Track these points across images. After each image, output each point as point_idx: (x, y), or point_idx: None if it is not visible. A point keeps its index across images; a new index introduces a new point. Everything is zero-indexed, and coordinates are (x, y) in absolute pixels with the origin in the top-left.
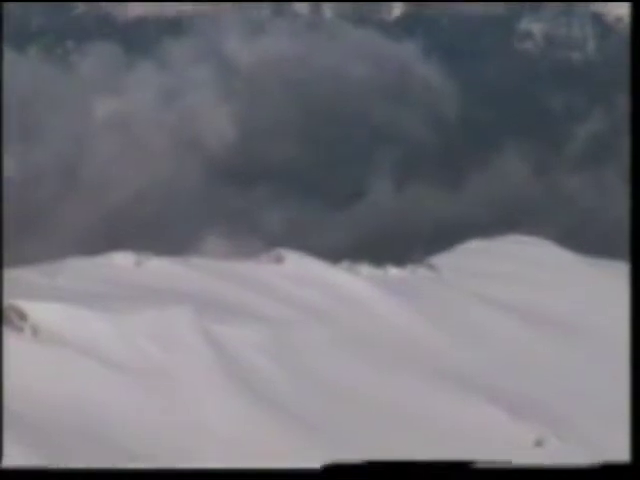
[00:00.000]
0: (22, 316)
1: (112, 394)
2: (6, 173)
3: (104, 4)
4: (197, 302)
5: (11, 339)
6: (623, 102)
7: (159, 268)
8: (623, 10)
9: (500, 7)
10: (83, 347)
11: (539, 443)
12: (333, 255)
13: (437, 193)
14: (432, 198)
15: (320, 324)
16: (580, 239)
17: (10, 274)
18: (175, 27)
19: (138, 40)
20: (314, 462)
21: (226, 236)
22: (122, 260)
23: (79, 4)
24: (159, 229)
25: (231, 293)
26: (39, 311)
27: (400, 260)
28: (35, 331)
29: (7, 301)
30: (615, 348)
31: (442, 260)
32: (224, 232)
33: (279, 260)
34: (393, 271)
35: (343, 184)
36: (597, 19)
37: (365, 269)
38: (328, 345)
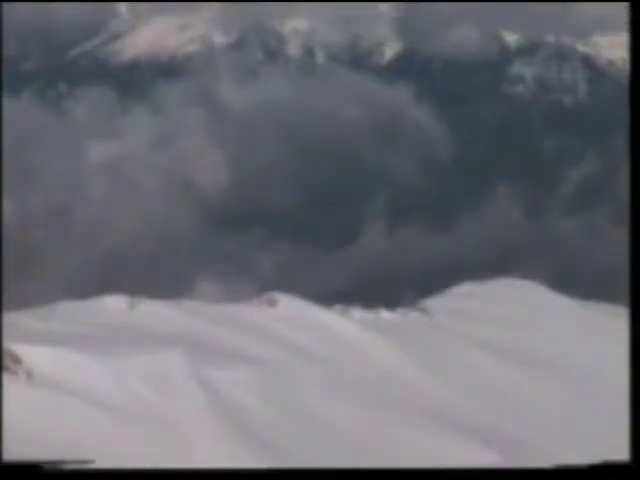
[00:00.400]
0: (16, 360)
1: (105, 436)
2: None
3: (98, 48)
4: (189, 345)
5: (5, 383)
6: (615, 145)
7: (151, 311)
8: (615, 53)
9: (492, 51)
10: (76, 390)
11: None
12: (326, 298)
13: (429, 235)
14: (424, 240)
15: (312, 367)
16: (572, 282)
17: (4, 318)
18: (168, 71)
19: (131, 84)
20: None
21: (219, 279)
22: (114, 303)
23: (71, 48)
24: (152, 272)
25: (223, 336)
26: (33, 355)
27: (392, 303)
28: (29, 375)
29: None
30: (608, 389)
31: (434, 303)
32: (217, 275)
33: (272, 303)
34: (385, 314)
35: (335, 227)
36: (588, 63)
37: (357, 312)
38: (320, 388)
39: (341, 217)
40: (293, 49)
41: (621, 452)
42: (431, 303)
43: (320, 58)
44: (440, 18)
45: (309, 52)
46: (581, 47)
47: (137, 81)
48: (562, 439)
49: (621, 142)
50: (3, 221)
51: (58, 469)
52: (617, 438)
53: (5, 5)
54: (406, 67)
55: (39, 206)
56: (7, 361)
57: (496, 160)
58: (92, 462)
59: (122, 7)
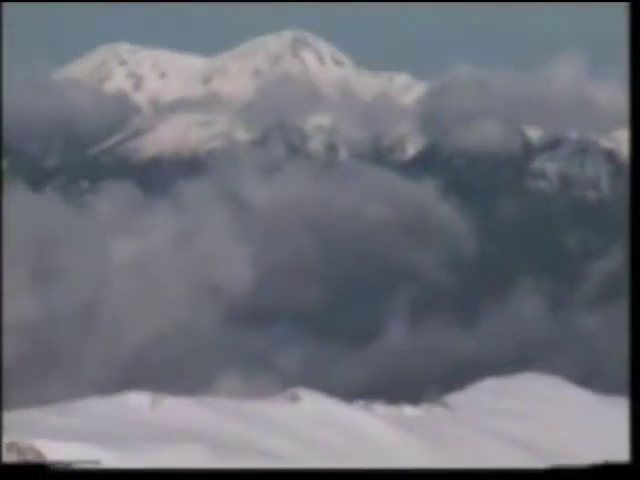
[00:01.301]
0: (39, 456)
1: None
2: (25, 315)
3: (120, 145)
4: (211, 441)
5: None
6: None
7: (174, 408)
8: None
9: (515, 146)
10: None
11: None
12: (348, 394)
13: (452, 331)
14: (447, 336)
15: (335, 463)
16: (595, 377)
17: (28, 414)
18: (191, 167)
19: (154, 180)
20: None
21: (242, 376)
22: (137, 400)
23: (93, 145)
24: (175, 369)
25: (246, 432)
26: (56, 451)
27: (415, 399)
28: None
29: (25, 441)
30: None
31: (457, 399)
32: (240, 372)
33: (294, 399)
34: (408, 410)
35: (359, 323)
36: (611, 157)
37: (380, 408)
38: None
39: (365, 313)
40: (316, 145)
41: None
42: (454, 399)
43: (343, 154)
44: (463, 114)
45: (331, 148)
46: (604, 142)
47: (159, 178)
48: None
49: None
50: (29, 318)
51: (63, 469)
52: None
53: (26, 95)
54: (429, 163)
55: (63, 303)
56: (30, 457)
57: (519, 255)
58: (97, 462)
59: (144, 104)
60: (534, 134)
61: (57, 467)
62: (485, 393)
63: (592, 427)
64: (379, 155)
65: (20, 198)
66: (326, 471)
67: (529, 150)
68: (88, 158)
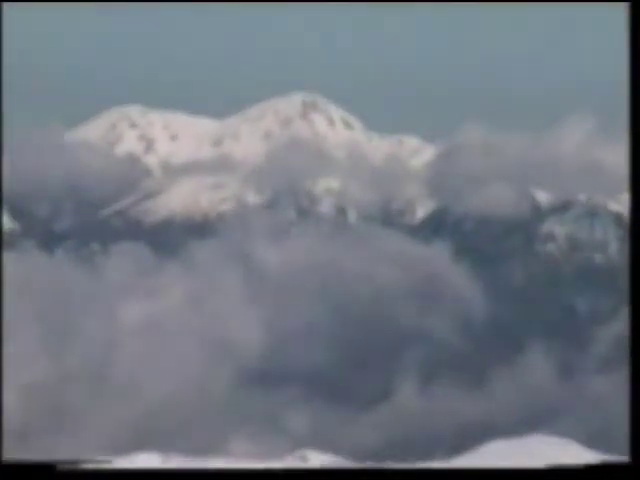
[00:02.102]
0: None
1: None
2: (38, 376)
3: (131, 207)
4: None
5: None
6: None
7: (183, 468)
8: None
9: (524, 209)
10: None
11: None
12: (359, 455)
13: (462, 393)
14: (457, 398)
15: None
16: (604, 439)
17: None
18: (202, 229)
19: (165, 243)
20: None
21: (252, 437)
22: (147, 460)
23: (104, 207)
24: (186, 430)
25: None
26: None
27: (424, 460)
28: None
29: None
30: None
31: (466, 461)
32: (250, 433)
33: (304, 460)
34: None
35: (369, 385)
36: (620, 221)
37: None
38: None
39: (375, 376)
40: (325, 208)
41: None
42: (463, 461)
43: (352, 217)
44: (472, 176)
45: (341, 211)
46: (612, 205)
47: (170, 240)
48: None
49: None
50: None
51: (70, 469)
52: None
53: (38, 157)
54: (439, 226)
55: (75, 364)
56: None
57: (529, 319)
58: (108, 462)
59: (155, 166)
60: (543, 197)
61: (64, 466)
62: (493, 455)
63: None
64: (389, 218)
65: (32, 260)
66: (326, 471)
67: (538, 213)
68: (99, 220)
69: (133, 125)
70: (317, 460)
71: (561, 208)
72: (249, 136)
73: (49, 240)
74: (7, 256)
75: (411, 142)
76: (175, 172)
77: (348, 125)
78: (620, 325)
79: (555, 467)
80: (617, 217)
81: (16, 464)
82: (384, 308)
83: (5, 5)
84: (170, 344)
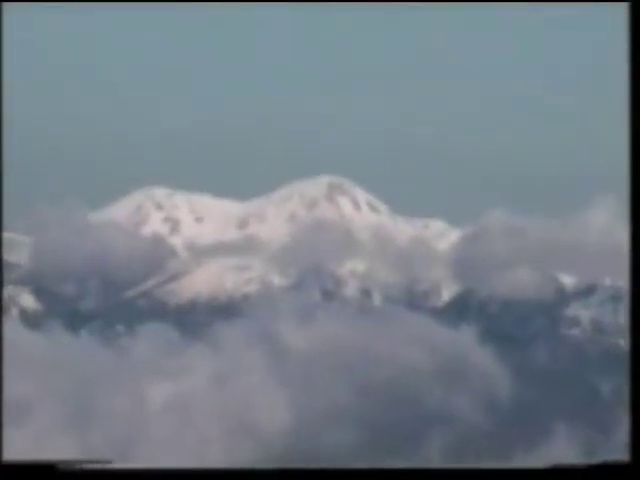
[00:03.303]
0: None
1: None
2: (63, 456)
3: (156, 288)
4: None
5: None
6: None
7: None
8: None
9: (548, 292)
10: None
11: None
12: None
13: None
14: None
15: None
16: None
17: None
18: (227, 311)
19: (190, 324)
20: None
21: None
22: None
23: (129, 288)
24: None
25: None
26: None
27: None
28: None
29: None
30: None
31: None
32: None
33: None
34: None
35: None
36: None
37: None
38: None
39: (400, 458)
40: (350, 290)
41: None
42: None
43: (377, 299)
44: (496, 259)
45: (366, 293)
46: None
47: (196, 321)
48: None
49: None
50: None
51: (70, 469)
52: None
53: (63, 237)
54: (464, 308)
55: (100, 444)
56: None
57: (554, 402)
58: (109, 462)
59: (180, 247)
60: (568, 281)
61: (64, 467)
62: None
63: None
64: (414, 300)
65: (57, 340)
66: (326, 471)
67: (563, 297)
68: (125, 301)
69: (158, 207)
70: None
71: (586, 292)
72: (274, 218)
73: (74, 321)
74: (32, 336)
75: (436, 225)
76: (200, 253)
77: (374, 208)
78: None
79: (555, 467)
80: None
81: (16, 464)
82: (410, 390)
83: (5, 5)
84: (195, 425)
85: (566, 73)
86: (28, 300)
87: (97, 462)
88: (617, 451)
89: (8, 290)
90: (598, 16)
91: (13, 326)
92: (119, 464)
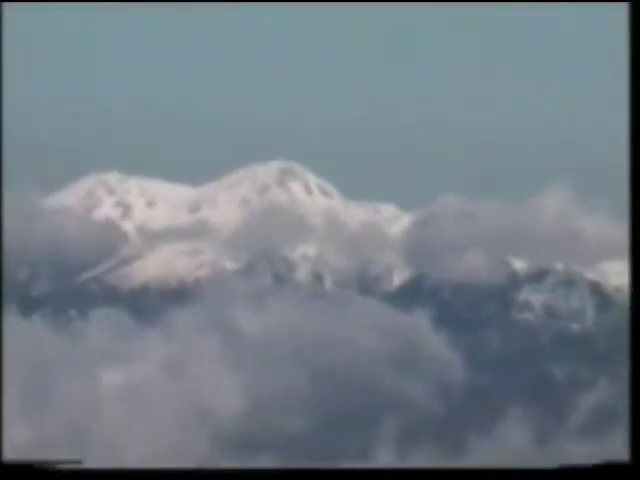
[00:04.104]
0: None
1: None
2: (15, 441)
3: (107, 273)
4: None
5: None
6: (625, 373)
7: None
8: (622, 279)
9: (500, 277)
10: None
11: None
12: None
13: (438, 459)
14: (434, 463)
15: None
16: None
17: None
18: (179, 295)
19: (142, 309)
20: None
21: None
22: None
23: (80, 273)
24: None
25: None
26: None
27: None
28: None
29: None
30: None
31: None
32: None
33: None
34: None
35: (346, 452)
36: (596, 289)
37: None
38: None
39: (353, 442)
40: (302, 275)
41: None
42: None
43: (329, 284)
44: (448, 244)
45: (318, 278)
46: (589, 274)
47: (148, 306)
48: None
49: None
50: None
51: (67, 469)
52: None
53: (15, 222)
54: (416, 293)
55: (53, 429)
56: None
57: (506, 386)
58: (81, 462)
59: (132, 232)
60: (520, 265)
61: (61, 467)
62: None
63: None
64: (365, 285)
65: (10, 325)
66: (327, 471)
67: (515, 281)
68: (76, 285)
69: (110, 191)
70: None
71: (538, 276)
72: (226, 202)
73: (26, 306)
74: None
75: (388, 210)
76: (152, 238)
77: (325, 193)
78: (598, 393)
79: (554, 467)
80: (594, 286)
81: (16, 464)
82: (362, 374)
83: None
84: (148, 409)
85: (566, 73)
86: None
87: (71, 462)
88: (569, 436)
89: None
90: (598, 16)
91: None
92: (73, 451)
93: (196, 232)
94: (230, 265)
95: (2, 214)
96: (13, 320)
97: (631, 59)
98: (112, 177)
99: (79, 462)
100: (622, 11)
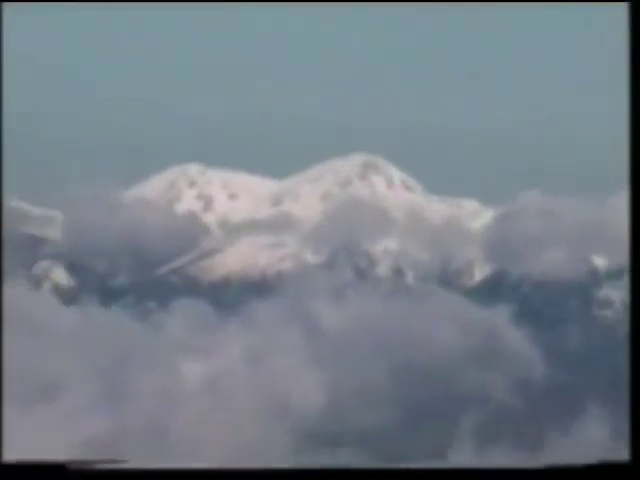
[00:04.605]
0: None
1: None
2: (96, 432)
3: (188, 266)
4: None
5: None
6: None
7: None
8: None
9: (581, 274)
10: None
11: None
12: None
13: (519, 456)
14: (514, 461)
15: None
16: None
17: None
18: (260, 289)
19: (223, 302)
20: None
21: None
22: None
23: (161, 265)
24: None
25: None
26: None
27: None
28: None
29: None
30: None
31: None
32: None
33: None
34: None
35: (426, 448)
36: None
37: None
38: None
39: (432, 438)
40: (383, 269)
41: None
42: None
43: (410, 278)
44: (530, 240)
45: (399, 272)
46: None
47: (229, 298)
48: None
49: None
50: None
51: (81, 469)
52: None
53: (96, 213)
54: (496, 288)
55: (133, 422)
56: None
57: (586, 384)
58: (124, 462)
59: (213, 225)
60: (600, 262)
61: (75, 467)
62: None
63: None
64: (446, 279)
65: (90, 316)
66: (327, 471)
67: (595, 278)
68: (157, 278)
69: (192, 183)
70: None
71: (618, 273)
72: (308, 196)
73: (107, 297)
74: (66, 311)
75: (470, 205)
76: (234, 231)
77: (408, 187)
78: None
79: (554, 467)
80: None
81: (26, 464)
82: (443, 369)
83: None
84: (229, 402)
85: (566, 73)
86: (61, 275)
87: (110, 462)
88: None
89: (41, 265)
90: (598, 16)
91: (46, 301)
92: (152, 442)
93: (278, 225)
94: (312, 259)
95: (2, 214)
96: (93, 311)
97: (631, 59)
98: (194, 169)
99: (123, 462)
100: (622, 11)
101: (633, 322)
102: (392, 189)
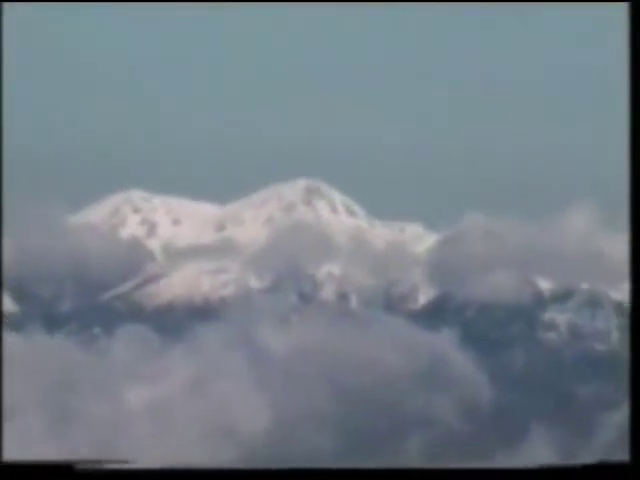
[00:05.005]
0: None
1: None
2: (43, 457)
3: (133, 291)
4: None
5: None
6: None
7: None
8: None
9: (526, 297)
10: None
11: None
12: None
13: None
14: None
15: None
16: None
17: None
18: (204, 313)
19: (167, 326)
20: None
21: None
22: None
23: (106, 291)
24: None
25: None
26: None
27: None
28: None
29: None
30: None
31: None
32: None
33: None
34: None
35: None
36: (620, 310)
37: None
38: None
39: (379, 460)
40: (327, 294)
41: None
42: None
43: (354, 303)
44: (474, 263)
45: (343, 297)
46: (614, 294)
47: (173, 323)
48: None
49: None
50: None
51: (88, 469)
52: None
53: (41, 239)
54: (441, 312)
55: (78, 447)
56: None
57: (531, 405)
58: (131, 462)
59: (157, 250)
60: (545, 285)
61: (82, 467)
62: None
63: None
64: (390, 304)
65: (35, 342)
66: (327, 471)
67: (540, 301)
68: (101, 303)
69: (136, 209)
70: None
71: (563, 296)
72: (252, 221)
73: (51, 323)
74: (10, 338)
75: (413, 229)
76: (177, 256)
77: (351, 212)
78: (622, 413)
79: (554, 467)
80: (618, 306)
81: (32, 464)
82: (388, 393)
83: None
84: (174, 427)
85: (566, 73)
86: (6, 301)
87: (116, 462)
88: (593, 453)
89: None
90: (598, 16)
91: None
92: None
93: (222, 250)
94: (255, 283)
95: (2, 222)
96: (38, 338)
97: (631, 59)
98: (138, 195)
99: (129, 462)
100: (622, 11)
101: (633, 322)
102: (335, 214)
